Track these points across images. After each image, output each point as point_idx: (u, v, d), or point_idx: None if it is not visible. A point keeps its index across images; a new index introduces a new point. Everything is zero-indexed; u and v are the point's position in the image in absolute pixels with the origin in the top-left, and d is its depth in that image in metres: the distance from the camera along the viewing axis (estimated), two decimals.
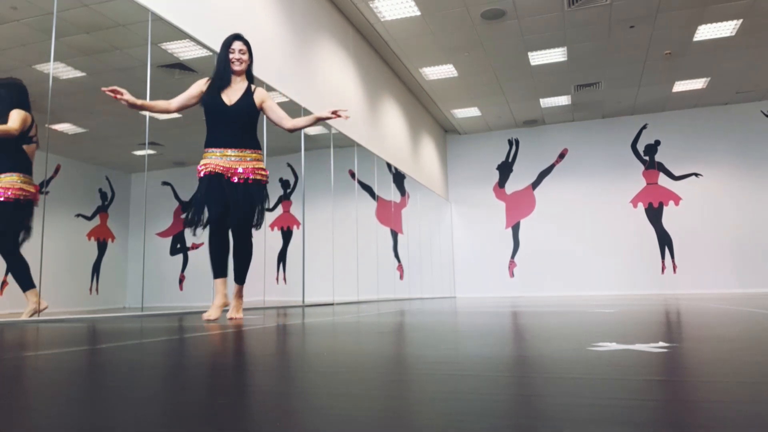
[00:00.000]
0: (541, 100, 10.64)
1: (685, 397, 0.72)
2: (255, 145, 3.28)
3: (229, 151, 3.19)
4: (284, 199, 8.33)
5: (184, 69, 5.63)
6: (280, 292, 7.51)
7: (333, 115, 3.21)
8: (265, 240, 6.23)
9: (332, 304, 6.38)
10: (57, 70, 5.48)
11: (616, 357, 1.10)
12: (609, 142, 11.62)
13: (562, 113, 11.41)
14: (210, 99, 3.23)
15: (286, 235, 8.19)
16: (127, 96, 3.07)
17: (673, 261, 10.93)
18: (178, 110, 3.32)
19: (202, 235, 3.39)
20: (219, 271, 3.28)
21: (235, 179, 3.16)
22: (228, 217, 3.18)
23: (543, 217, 11.78)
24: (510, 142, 12.30)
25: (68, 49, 5.35)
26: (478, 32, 7.86)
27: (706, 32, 7.93)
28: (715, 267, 10.65)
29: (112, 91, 3.05)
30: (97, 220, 8.75)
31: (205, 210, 3.19)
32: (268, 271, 6.31)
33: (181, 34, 4.75)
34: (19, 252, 3.63)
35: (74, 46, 5.33)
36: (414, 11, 7.31)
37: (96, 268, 8.70)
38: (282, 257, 8.09)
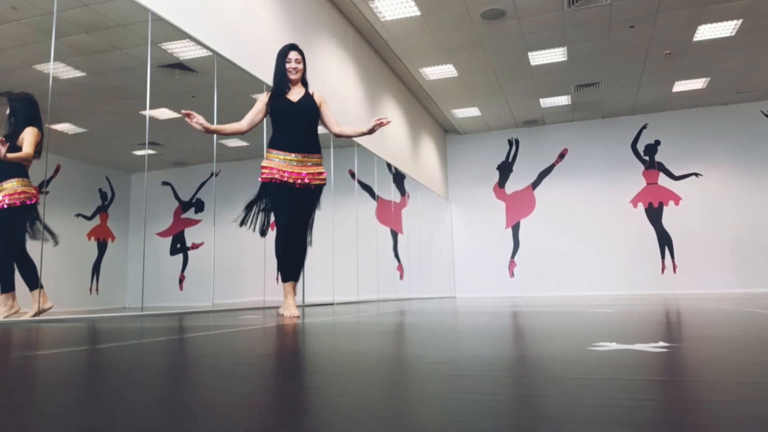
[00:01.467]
0: (541, 100, 10.64)
1: (685, 397, 0.72)
2: (317, 149, 3.46)
3: (293, 155, 3.34)
4: None
5: (184, 69, 5.63)
6: (280, 292, 7.50)
7: (378, 126, 3.34)
8: (265, 240, 6.23)
9: (332, 304, 6.39)
10: (57, 70, 5.48)
11: (616, 357, 1.10)
12: (609, 142, 11.62)
13: (562, 113, 11.41)
14: (275, 102, 3.40)
15: None
16: (201, 120, 3.21)
17: (673, 261, 10.93)
18: (250, 128, 3.47)
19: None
20: (287, 276, 3.47)
21: (299, 183, 3.33)
22: (293, 224, 3.36)
23: (543, 217, 11.79)
24: (510, 142, 12.30)
25: (68, 49, 5.35)
26: (478, 32, 7.86)
27: (706, 32, 7.93)
28: (715, 267, 10.65)
29: (188, 114, 3.18)
30: (97, 220, 8.76)
31: (267, 215, 3.42)
32: (268, 271, 6.31)
33: (181, 34, 4.75)
34: (27, 253, 3.72)
35: (74, 46, 5.33)
36: (414, 11, 7.31)
37: (96, 268, 8.70)
38: None
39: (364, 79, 8.17)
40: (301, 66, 3.46)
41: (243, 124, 3.43)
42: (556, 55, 8.65)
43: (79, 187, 8.54)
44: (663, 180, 11.25)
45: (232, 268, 7.14)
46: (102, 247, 8.80)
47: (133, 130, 6.86)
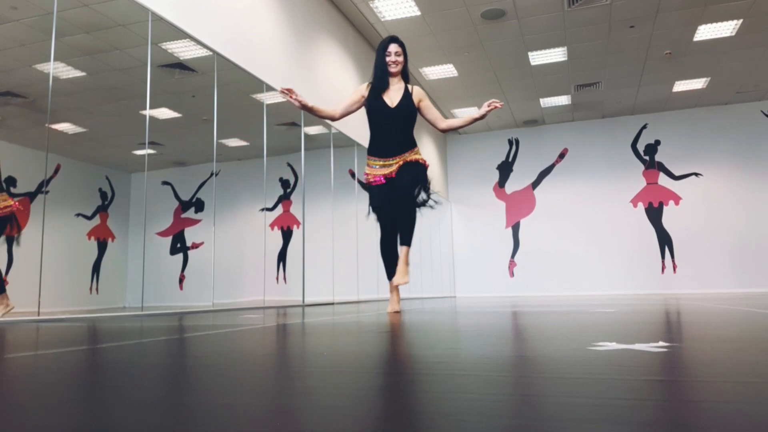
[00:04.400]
0: (541, 100, 10.64)
1: (685, 397, 0.72)
2: (413, 145, 3.46)
3: (391, 161, 3.40)
4: (284, 198, 8.33)
5: (184, 69, 5.63)
6: (280, 291, 7.52)
7: (489, 109, 3.32)
8: (264, 240, 6.23)
9: (332, 304, 6.38)
10: (57, 70, 5.48)
11: (616, 357, 1.10)
12: (609, 142, 11.62)
13: (562, 113, 11.41)
14: (373, 103, 3.41)
15: (286, 235, 8.20)
16: (300, 97, 3.28)
17: (673, 261, 10.93)
18: (342, 116, 3.52)
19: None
20: (391, 274, 3.52)
21: (395, 167, 3.36)
22: (396, 227, 3.41)
23: (543, 217, 11.79)
24: (510, 142, 12.30)
25: (68, 49, 5.35)
26: (478, 32, 7.86)
27: (706, 32, 7.93)
28: (715, 267, 10.65)
29: (288, 90, 3.24)
30: (97, 220, 8.76)
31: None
32: (268, 271, 6.31)
33: (181, 34, 4.75)
34: None
35: (74, 46, 5.33)
36: (414, 11, 7.31)
37: (96, 268, 8.70)
38: (282, 257, 8.09)
39: (364, 79, 8.17)
40: (401, 59, 3.43)
41: (337, 111, 3.48)
42: (556, 55, 8.65)
43: (79, 186, 8.54)
44: (663, 180, 11.25)
45: (232, 268, 7.14)
46: (102, 247, 8.80)
47: (133, 130, 6.87)
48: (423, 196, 3.38)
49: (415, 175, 3.34)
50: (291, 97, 3.24)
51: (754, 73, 9.47)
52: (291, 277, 7.60)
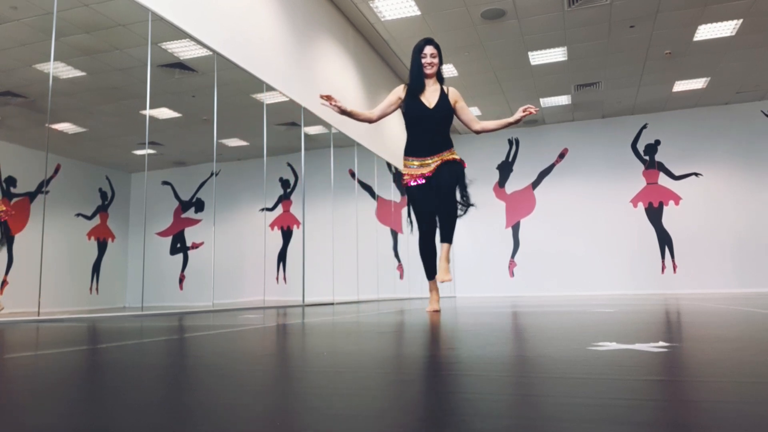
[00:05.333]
0: (541, 100, 10.64)
1: (685, 397, 0.72)
2: (449, 146, 3.49)
3: (428, 160, 3.43)
4: (284, 198, 8.33)
5: (184, 69, 5.63)
6: (280, 291, 7.51)
7: (524, 114, 3.34)
8: (264, 240, 6.23)
9: (332, 304, 6.38)
10: (57, 70, 5.48)
11: (616, 357, 1.10)
12: (609, 142, 11.62)
13: (562, 113, 11.41)
14: (410, 104, 3.46)
15: (286, 235, 8.19)
16: (340, 103, 3.34)
17: (673, 261, 10.93)
18: (379, 119, 3.59)
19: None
20: (430, 273, 3.57)
21: (433, 169, 3.40)
22: (435, 225, 3.44)
23: (543, 217, 11.78)
24: (510, 142, 12.30)
25: (68, 49, 5.35)
26: (478, 32, 7.86)
27: (706, 32, 7.93)
28: (715, 267, 10.65)
29: (327, 97, 3.31)
30: (97, 220, 8.76)
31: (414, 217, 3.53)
32: (268, 271, 6.31)
33: (181, 34, 4.75)
34: None
35: (74, 46, 5.33)
36: (414, 11, 7.31)
37: (96, 268, 8.70)
38: (282, 257, 8.09)
39: (364, 79, 8.17)
40: (436, 60, 3.47)
41: (375, 114, 3.55)
42: (556, 55, 8.65)
43: (79, 186, 8.54)
44: (663, 180, 11.25)
45: (232, 268, 7.14)
46: (102, 247, 8.80)
47: (133, 130, 6.86)
48: (462, 198, 3.46)
49: (456, 174, 3.40)
50: (331, 103, 3.31)
51: (754, 73, 9.47)
52: (291, 277, 7.60)
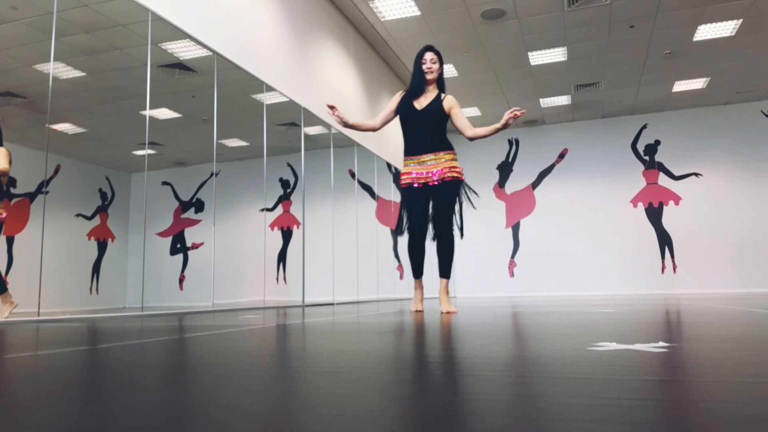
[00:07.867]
0: (541, 100, 10.64)
1: (685, 397, 0.72)
2: (447, 146, 3.56)
3: (425, 157, 3.52)
4: (284, 199, 8.33)
5: (184, 69, 5.63)
6: (280, 292, 7.52)
7: (510, 116, 3.34)
8: (264, 240, 6.23)
9: (332, 304, 6.38)
10: (57, 70, 5.48)
11: (616, 357, 1.10)
12: (609, 142, 11.62)
13: (562, 113, 11.41)
14: (403, 107, 3.58)
15: (286, 235, 8.19)
16: (343, 115, 3.49)
17: (673, 261, 10.93)
18: (382, 126, 3.70)
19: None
20: (417, 272, 3.67)
21: (433, 180, 3.48)
22: (425, 227, 3.52)
23: (543, 217, 11.79)
24: (510, 142, 12.30)
25: (68, 49, 5.35)
26: (478, 32, 7.86)
27: (706, 32, 7.93)
28: (716, 267, 10.65)
29: (332, 107, 3.45)
30: (97, 220, 8.75)
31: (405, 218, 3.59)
32: (268, 271, 6.31)
33: (181, 34, 4.75)
34: None
35: (74, 46, 5.33)
36: (414, 11, 7.31)
37: (96, 268, 8.70)
38: (282, 257, 8.09)
39: (364, 79, 8.17)
40: (436, 66, 3.56)
41: (377, 122, 3.66)
42: (556, 55, 8.65)
43: (79, 186, 8.54)
44: (663, 180, 11.25)
45: (232, 268, 7.14)
46: (102, 247, 8.80)
47: (133, 130, 6.87)
48: (458, 223, 3.52)
49: (453, 198, 3.48)
50: (334, 114, 3.45)
51: (754, 73, 9.47)
52: (291, 277, 7.60)
